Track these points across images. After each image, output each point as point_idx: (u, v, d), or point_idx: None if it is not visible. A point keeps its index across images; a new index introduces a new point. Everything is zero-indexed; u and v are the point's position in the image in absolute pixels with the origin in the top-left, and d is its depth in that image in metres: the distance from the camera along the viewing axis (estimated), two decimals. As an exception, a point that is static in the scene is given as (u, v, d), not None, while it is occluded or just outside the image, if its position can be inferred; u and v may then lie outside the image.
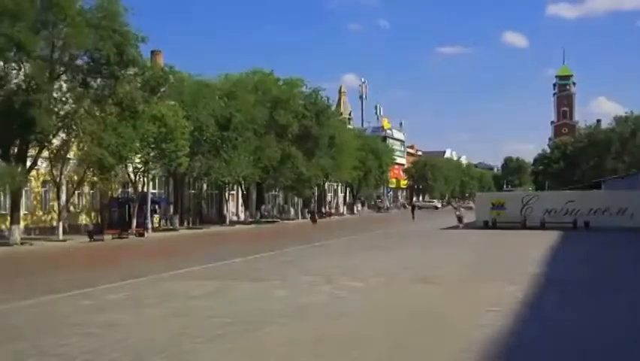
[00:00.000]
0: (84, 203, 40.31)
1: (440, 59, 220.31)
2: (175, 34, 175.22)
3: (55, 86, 29.87)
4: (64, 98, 30.42)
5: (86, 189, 39.78)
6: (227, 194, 53.62)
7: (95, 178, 37.19)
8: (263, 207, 56.93)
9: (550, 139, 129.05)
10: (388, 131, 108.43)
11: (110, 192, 41.38)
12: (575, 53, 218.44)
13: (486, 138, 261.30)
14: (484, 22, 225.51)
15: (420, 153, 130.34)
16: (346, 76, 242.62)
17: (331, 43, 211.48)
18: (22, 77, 28.00)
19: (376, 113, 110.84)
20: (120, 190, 42.79)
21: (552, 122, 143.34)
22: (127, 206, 39.10)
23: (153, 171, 40.50)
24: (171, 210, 44.93)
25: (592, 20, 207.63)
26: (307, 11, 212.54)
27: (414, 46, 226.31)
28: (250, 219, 52.55)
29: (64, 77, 30.38)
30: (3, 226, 31.91)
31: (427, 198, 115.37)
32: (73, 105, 30.48)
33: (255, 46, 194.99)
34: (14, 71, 28.31)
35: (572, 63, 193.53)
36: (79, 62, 30.51)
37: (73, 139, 32.01)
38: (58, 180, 33.20)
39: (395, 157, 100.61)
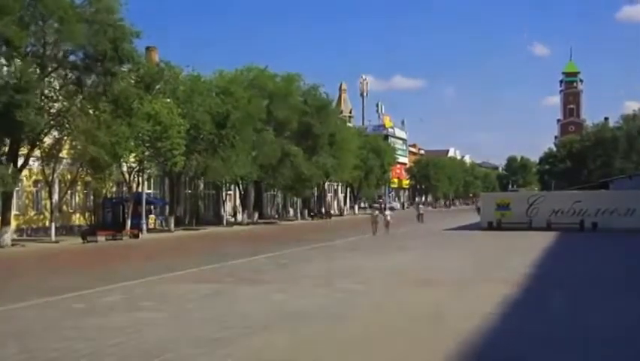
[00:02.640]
0: (77, 203, 40.32)
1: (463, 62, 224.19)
2: (172, 32, 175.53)
3: (47, 84, 29.84)
4: (55, 96, 30.40)
5: (79, 188, 39.80)
6: (224, 194, 53.64)
7: (89, 178, 37.19)
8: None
9: (556, 137, 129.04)
10: (390, 129, 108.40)
11: (104, 192, 41.40)
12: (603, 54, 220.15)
13: (494, 137, 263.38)
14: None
15: (422, 152, 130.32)
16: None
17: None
18: (12, 75, 27.86)
19: (377, 111, 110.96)
20: (114, 190, 42.80)
21: (558, 120, 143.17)
22: (121, 206, 39.07)
23: (148, 171, 40.52)
24: (167, 210, 44.92)
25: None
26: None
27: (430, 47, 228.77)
28: (248, 220, 52.56)
29: (55, 73, 30.33)
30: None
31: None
32: (65, 103, 30.47)
33: (261, 44, 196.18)
34: (5, 68, 28.24)
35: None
36: (72, 58, 30.50)
37: (65, 137, 32.00)
38: (50, 179, 33.21)
39: (397, 156, 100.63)
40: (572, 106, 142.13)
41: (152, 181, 45.23)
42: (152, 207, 43.69)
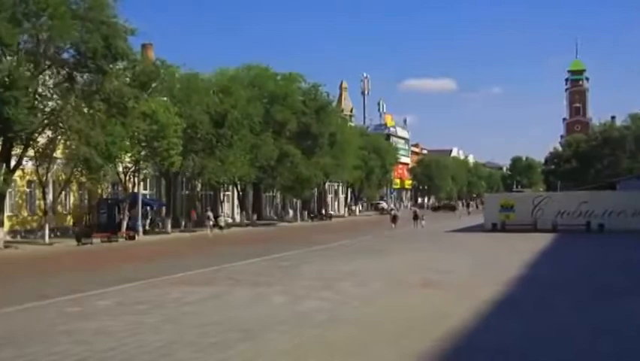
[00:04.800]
0: (72, 204, 40.32)
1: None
2: (168, 27, 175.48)
3: (40, 82, 29.85)
4: (49, 94, 30.40)
5: (74, 189, 39.81)
6: (222, 195, 53.62)
7: (83, 178, 37.20)
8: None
9: (562, 137, 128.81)
10: (392, 128, 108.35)
11: (100, 193, 41.43)
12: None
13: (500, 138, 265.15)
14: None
15: (425, 151, 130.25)
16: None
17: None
18: (3, 72, 27.80)
19: (379, 109, 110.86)
20: (110, 191, 42.81)
21: (564, 119, 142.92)
22: (117, 208, 39.10)
23: (144, 171, 40.51)
24: (163, 211, 44.93)
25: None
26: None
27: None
28: (246, 222, 52.56)
29: (49, 71, 30.35)
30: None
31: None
32: (58, 101, 30.47)
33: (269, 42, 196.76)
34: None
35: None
36: (65, 55, 30.52)
37: (59, 137, 32.00)
38: (44, 180, 33.21)
39: (399, 156, 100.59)
40: (577, 105, 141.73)
41: (148, 182, 45.24)
42: (148, 208, 43.69)
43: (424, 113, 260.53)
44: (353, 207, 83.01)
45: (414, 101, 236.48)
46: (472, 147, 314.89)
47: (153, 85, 38.17)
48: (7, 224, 31.96)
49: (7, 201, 32.31)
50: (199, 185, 51.46)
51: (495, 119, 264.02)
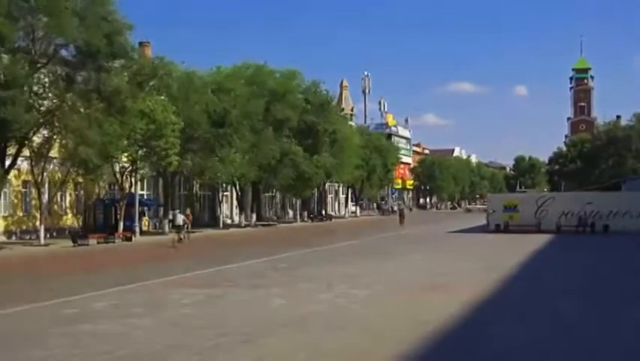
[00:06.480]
0: (67, 204, 40.30)
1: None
2: (165, 25, 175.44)
3: (37, 80, 29.80)
4: (45, 93, 30.35)
5: (70, 188, 39.79)
6: (221, 195, 53.60)
7: (80, 178, 37.18)
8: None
9: (566, 136, 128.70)
10: (393, 128, 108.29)
11: (96, 192, 41.41)
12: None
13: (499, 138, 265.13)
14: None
15: (427, 151, 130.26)
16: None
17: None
18: (0, 71, 27.77)
19: (380, 108, 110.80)
20: (106, 191, 42.79)
21: (568, 119, 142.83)
22: (113, 208, 39.08)
23: (142, 171, 40.46)
24: (161, 212, 44.91)
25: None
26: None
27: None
28: (245, 222, 52.54)
29: (45, 69, 30.27)
30: (-19, 229, 31.95)
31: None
32: (55, 100, 30.42)
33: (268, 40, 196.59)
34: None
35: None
36: (62, 53, 30.44)
37: (55, 136, 31.95)
38: (39, 179, 33.19)
39: (400, 156, 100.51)
40: (582, 104, 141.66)
41: (145, 182, 45.19)
42: (145, 208, 43.67)
43: (439, 114, 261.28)
44: (354, 208, 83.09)
45: (426, 103, 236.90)
46: (474, 146, 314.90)
47: (151, 83, 38.10)
48: (2, 224, 31.95)
49: (2, 202, 32.28)
50: (197, 185, 51.44)
51: (503, 120, 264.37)
